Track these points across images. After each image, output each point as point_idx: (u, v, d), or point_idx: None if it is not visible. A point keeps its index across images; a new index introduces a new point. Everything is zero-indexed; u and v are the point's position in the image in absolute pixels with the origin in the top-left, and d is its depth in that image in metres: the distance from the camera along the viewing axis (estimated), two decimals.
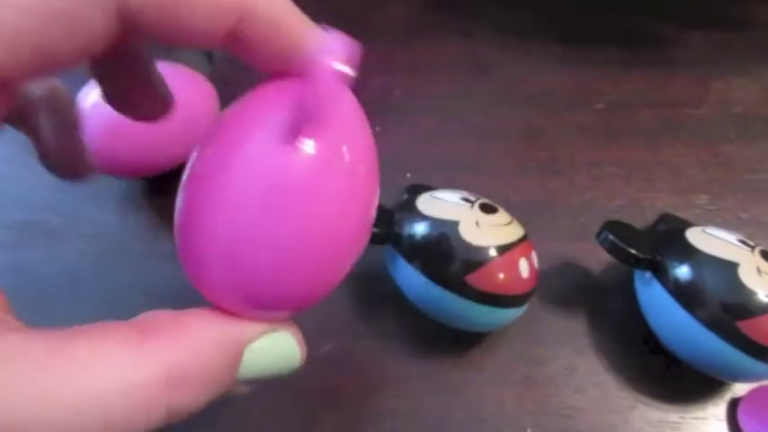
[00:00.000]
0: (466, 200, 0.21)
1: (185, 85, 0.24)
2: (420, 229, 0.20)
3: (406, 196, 0.23)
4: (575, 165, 0.27)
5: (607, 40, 0.31)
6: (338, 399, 0.22)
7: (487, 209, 0.20)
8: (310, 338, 0.23)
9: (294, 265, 0.12)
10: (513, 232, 0.20)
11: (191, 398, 0.11)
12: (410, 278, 0.21)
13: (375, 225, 0.20)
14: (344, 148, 0.12)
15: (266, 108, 0.12)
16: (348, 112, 0.13)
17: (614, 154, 0.27)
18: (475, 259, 0.19)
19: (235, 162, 0.12)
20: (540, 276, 0.24)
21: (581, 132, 0.28)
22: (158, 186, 0.26)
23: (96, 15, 0.10)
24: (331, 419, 0.22)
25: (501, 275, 0.19)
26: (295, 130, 0.12)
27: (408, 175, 0.27)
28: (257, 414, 0.22)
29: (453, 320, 0.21)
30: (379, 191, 0.13)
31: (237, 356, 0.12)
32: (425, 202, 0.21)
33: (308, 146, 0.12)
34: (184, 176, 0.13)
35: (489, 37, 0.32)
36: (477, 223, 0.20)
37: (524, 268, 0.19)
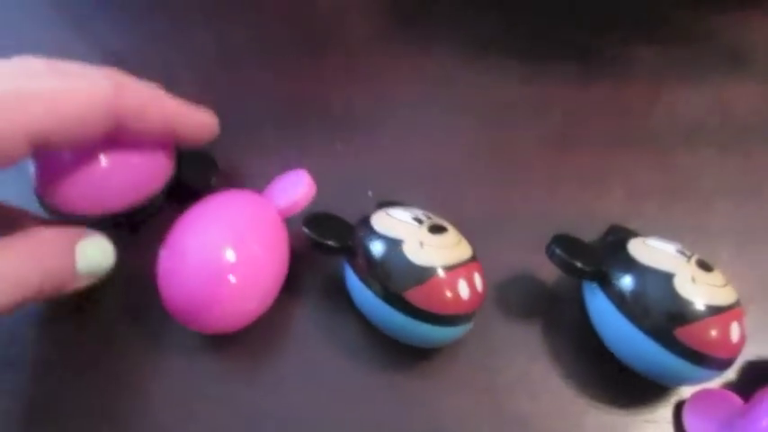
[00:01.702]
0: (417, 219, 0.21)
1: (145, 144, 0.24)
2: (369, 244, 0.21)
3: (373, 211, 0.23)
4: (531, 177, 0.28)
5: (564, 54, 0.32)
6: (300, 413, 0.22)
7: (436, 230, 0.21)
8: (273, 353, 0.23)
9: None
10: (458, 254, 0.21)
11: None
12: (360, 292, 0.21)
13: (331, 237, 0.21)
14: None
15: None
16: None
17: (569, 165, 0.28)
18: (414, 277, 0.20)
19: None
20: (496, 287, 0.25)
21: (538, 144, 0.29)
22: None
23: (102, 125, 0.19)
24: None
25: (440, 294, 0.20)
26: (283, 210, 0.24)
27: (370, 193, 0.27)
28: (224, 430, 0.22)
29: (397, 335, 0.22)
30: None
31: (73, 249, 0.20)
32: (378, 219, 0.22)
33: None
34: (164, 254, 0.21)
35: (449, 51, 0.32)
36: (421, 243, 0.20)
37: (464, 289, 0.20)
